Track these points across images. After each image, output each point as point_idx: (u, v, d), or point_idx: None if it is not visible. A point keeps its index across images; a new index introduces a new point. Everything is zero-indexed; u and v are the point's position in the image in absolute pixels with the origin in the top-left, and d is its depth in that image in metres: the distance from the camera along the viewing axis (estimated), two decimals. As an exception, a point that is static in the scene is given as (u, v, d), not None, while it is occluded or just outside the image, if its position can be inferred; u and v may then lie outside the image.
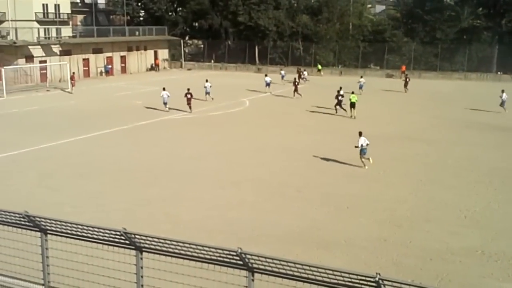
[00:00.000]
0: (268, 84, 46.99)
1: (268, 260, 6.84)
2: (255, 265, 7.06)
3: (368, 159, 22.89)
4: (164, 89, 37.00)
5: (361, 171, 22.45)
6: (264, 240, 14.73)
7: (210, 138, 28.92)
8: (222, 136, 29.47)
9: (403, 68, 62.63)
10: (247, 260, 7.01)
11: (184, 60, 74.36)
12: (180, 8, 78.61)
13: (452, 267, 13.39)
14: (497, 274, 13.08)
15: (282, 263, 6.75)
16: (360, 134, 23.31)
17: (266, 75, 49.09)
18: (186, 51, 77.98)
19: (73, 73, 49.72)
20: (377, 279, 6.20)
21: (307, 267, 6.61)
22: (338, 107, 36.05)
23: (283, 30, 70.29)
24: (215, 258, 7.24)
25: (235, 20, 71.43)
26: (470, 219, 16.96)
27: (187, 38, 79.14)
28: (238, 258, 7.02)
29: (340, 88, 36.78)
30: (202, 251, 7.20)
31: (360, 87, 46.43)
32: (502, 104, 38.34)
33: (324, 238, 15.19)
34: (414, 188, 20.24)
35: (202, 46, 79.54)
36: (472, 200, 18.80)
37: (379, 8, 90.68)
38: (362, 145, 22.77)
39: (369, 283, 6.39)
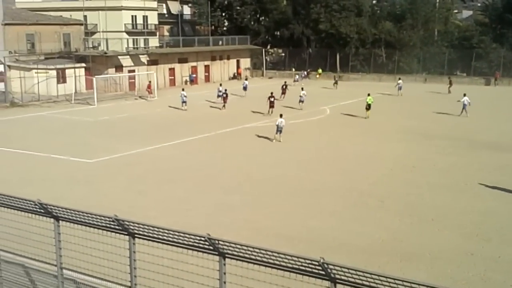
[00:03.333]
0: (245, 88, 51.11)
1: (351, 271, 6.73)
2: (337, 276, 6.97)
3: (278, 138, 29.50)
4: (183, 89, 43.60)
5: (445, 182, 21.72)
6: (345, 250, 14.56)
7: (290, 145, 28.97)
8: (302, 144, 29.46)
9: (497, 75, 60.31)
10: (329, 270, 6.93)
11: (266, 69, 74.99)
12: (263, 18, 79.47)
13: (547, 286, 12.66)
14: None
15: (366, 274, 6.62)
16: (281, 116, 29.93)
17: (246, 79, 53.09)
18: (268, 59, 78.55)
19: (150, 82, 51.52)
20: (465, 294, 5.97)
21: (392, 280, 6.44)
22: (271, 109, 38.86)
23: (365, 37, 69.30)
24: (296, 267, 7.21)
25: (316, 28, 71.21)
26: None
27: (268, 47, 79.78)
28: (320, 268, 6.96)
29: (271, 93, 39.57)
30: (284, 259, 7.20)
31: (399, 88, 51.09)
32: (463, 108, 38.68)
33: (407, 250, 14.80)
34: (504, 200, 19.33)
35: (283, 54, 79.89)
36: None
37: (466, 13, 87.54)
38: (277, 125, 29.29)
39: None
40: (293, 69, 72.06)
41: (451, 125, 35.11)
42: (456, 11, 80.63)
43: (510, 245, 15.14)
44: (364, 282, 6.71)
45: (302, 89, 43.61)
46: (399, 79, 53.93)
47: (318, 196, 19.86)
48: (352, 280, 6.82)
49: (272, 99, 38.96)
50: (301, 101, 42.45)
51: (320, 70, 67.54)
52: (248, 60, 74.60)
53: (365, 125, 35.39)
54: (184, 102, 41.86)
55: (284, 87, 48.13)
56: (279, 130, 29.48)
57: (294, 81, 59.42)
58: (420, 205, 18.69)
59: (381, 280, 6.51)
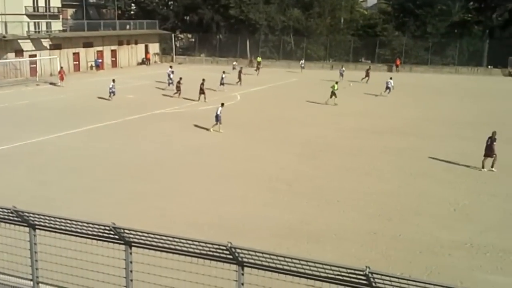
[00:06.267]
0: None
1: (258, 254, 6.84)
2: (245, 259, 7.07)
3: (217, 129, 28.37)
4: (113, 80, 40.05)
5: (351, 165, 22.52)
6: (254, 234, 14.74)
7: (201, 132, 28.86)
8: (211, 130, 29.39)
9: (398, 62, 63.06)
10: (237, 254, 7.01)
11: (175, 54, 74.07)
12: (171, 2, 78.28)
13: (441, 260, 13.47)
14: (486, 267, 13.18)
15: (272, 257, 6.76)
16: (222, 105, 28.82)
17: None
18: (177, 45, 77.64)
19: (62, 67, 49.42)
20: (366, 272, 6.23)
21: (297, 261, 6.62)
22: (201, 95, 38.44)
23: (274, 24, 70.20)
24: (205, 252, 7.23)
25: (226, 14, 71.19)
26: (459, 212, 17.07)
27: (178, 32, 78.80)
28: (228, 252, 7.02)
29: (203, 79, 38.82)
30: (192, 246, 7.19)
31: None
32: (388, 89, 42.35)
33: (314, 231, 15.23)
34: (405, 181, 20.33)
35: (193, 40, 79.24)
36: (462, 193, 18.93)
37: (371, 2, 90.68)
38: (218, 114, 28.27)
39: (358, 276, 6.41)
40: (203, 55, 71.65)
41: (358, 111, 36.33)
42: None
43: (409, 224, 15.97)
44: (271, 264, 6.85)
45: (224, 72, 44.47)
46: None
47: (229, 182, 19.95)
48: (259, 262, 6.94)
49: (202, 86, 38.39)
50: (222, 83, 43.41)
51: (259, 58, 64.68)
52: (157, 45, 73.34)
53: (275, 112, 35.88)
54: (112, 92, 39.21)
55: (240, 72, 48.48)
56: (218, 118, 28.49)
57: (233, 68, 57.92)
58: (326, 188, 19.27)
59: (287, 262, 6.67)
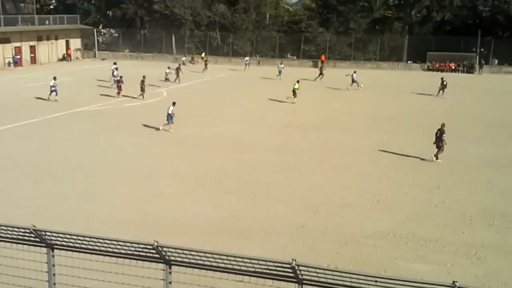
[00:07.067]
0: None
1: (185, 252, 6.79)
2: (172, 258, 7.00)
3: (167, 128, 27.42)
4: (54, 78, 36.99)
5: (278, 160, 22.77)
6: (183, 232, 14.63)
7: (125, 130, 28.28)
8: (137, 128, 28.88)
9: (322, 57, 64.23)
10: (164, 253, 6.93)
11: (98, 50, 72.16)
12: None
13: (366, 250, 13.89)
14: (408, 255, 13.71)
15: (200, 254, 6.73)
16: (174, 104, 27.94)
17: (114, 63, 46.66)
18: (100, 40, 75.64)
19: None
20: (293, 264, 6.32)
21: (225, 257, 6.62)
22: (143, 92, 37.59)
23: (200, 19, 69.81)
24: (130, 252, 7.10)
25: (150, 8, 70.09)
26: (382, 203, 17.65)
27: (100, 27, 76.80)
28: (154, 251, 6.92)
29: (144, 76, 37.93)
30: (117, 246, 7.04)
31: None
32: (353, 82, 44.47)
33: (243, 227, 15.30)
34: (330, 175, 20.79)
35: (116, 35, 77.45)
36: (384, 185, 19.58)
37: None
38: (169, 113, 27.21)
39: (285, 269, 6.50)
40: (127, 51, 70.19)
41: (283, 107, 36.76)
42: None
43: (335, 216, 16.36)
44: (199, 261, 6.82)
45: (169, 68, 44.49)
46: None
47: (156, 180, 19.66)
48: (187, 260, 6.89)
49: (143, 83, 37.35)
50: (166, 78, 43.69)
51: (203, 54, 63.88)
52: (79, 40, 71.16)
53: (201, 108, 35.73)
54: (54, 91, 36.30)
55: (178, 69, 47.24)
56: (169, 118, 27.40)
57: (183, 64, 56.68)
58: (255, 183, 19.38)
59: (215, 258, 6.67)
